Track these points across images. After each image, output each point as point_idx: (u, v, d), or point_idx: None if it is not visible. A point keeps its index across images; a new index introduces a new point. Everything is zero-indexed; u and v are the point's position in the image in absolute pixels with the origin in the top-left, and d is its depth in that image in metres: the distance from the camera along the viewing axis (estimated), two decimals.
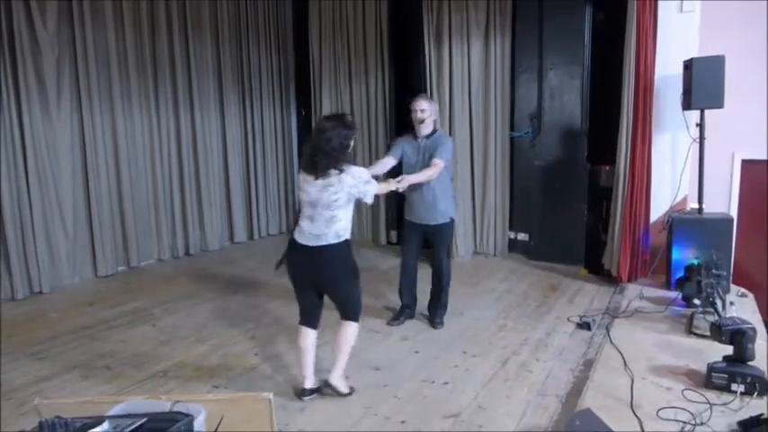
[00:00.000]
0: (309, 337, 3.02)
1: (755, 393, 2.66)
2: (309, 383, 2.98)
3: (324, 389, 2.99)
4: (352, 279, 2.98)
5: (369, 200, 2.90)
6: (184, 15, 6.11)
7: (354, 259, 2.97)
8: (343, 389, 3.00)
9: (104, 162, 5.45)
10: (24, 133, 4.77)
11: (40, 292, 4.90)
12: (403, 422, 2.75)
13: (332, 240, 2.81)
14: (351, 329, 3.01)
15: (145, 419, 1.45)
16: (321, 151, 2.74)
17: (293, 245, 2.90)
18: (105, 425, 1.39)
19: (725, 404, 2.62)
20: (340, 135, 2.76)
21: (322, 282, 2.93)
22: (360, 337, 3.27)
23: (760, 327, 3.40)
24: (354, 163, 2.95)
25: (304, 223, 2.87)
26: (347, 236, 2.88)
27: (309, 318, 3.04)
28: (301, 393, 2.97)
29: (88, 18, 5.17)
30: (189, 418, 1.49)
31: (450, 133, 5.86)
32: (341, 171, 2.75)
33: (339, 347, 3.00)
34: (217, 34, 6.53)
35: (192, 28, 6.18)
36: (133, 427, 1.40)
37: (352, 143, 2.87)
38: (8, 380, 3.27)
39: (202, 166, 6.43)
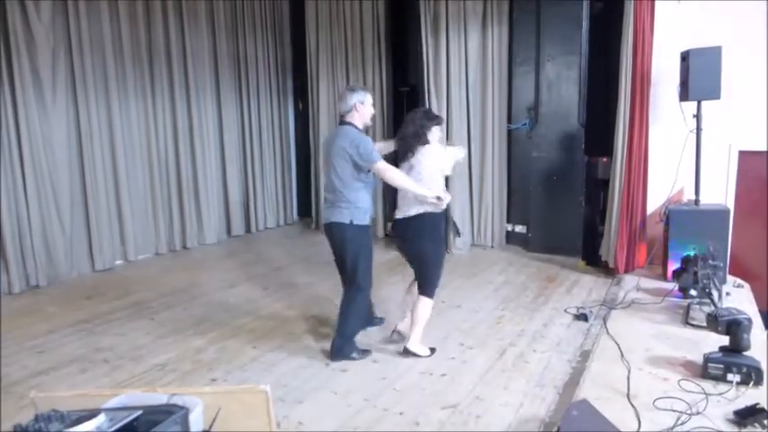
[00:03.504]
0: (411, 290, 3.57)
1: (751, 383, 2.67)
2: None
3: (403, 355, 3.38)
4: (432, 254, 3.38)
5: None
6: (180, 5, 6.07)
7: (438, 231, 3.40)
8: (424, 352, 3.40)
9: (101, 155, 5.43)
10: (20, 125, 4.74)
11: (37, 286, 4.90)
12: (401, 414, 2.76)
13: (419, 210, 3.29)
14: (423, 305, 3.37)
15: (140, 412, 1.45)
16: (401, 139, 3.39)
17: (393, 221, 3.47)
18: (101, 417, 1.39)
19: (721, 394, 2.63)
20: (415, 123, 3.35)
21: (406, 248, 3.47)
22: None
23: (756, 317, 3.42)
24: None
25: (398, 200, 3.42)
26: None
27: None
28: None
29: (83, 8, 5.14)
30: (184, 411, 1.49)
31: (447, 125, 5.85)
32: (414, 154, 3.31)
33: (413, 320, 3.40)
34: (213, 25, 6.50)
35: (187, 18, 6.14)
36: (129, 419, 1.40)
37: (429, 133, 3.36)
38: (7, 374, 3.26)
39: (199, 159, 6.41)
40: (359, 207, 3.28)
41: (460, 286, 4.80)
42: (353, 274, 3.33)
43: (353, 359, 3.35)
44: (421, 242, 3.34)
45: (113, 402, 1.66)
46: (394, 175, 3.23)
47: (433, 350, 3.41)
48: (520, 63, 5.78)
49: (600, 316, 3.92)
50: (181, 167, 6.24)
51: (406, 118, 3.45)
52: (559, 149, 5.58)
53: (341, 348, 3.36)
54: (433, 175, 3.29)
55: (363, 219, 3.30)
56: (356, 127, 3.30)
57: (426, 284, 3.37)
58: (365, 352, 3.42)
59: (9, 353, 3.57)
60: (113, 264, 5.60)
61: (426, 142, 3.33)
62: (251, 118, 7.10)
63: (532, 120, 5.77)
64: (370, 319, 3.78)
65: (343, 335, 3.37)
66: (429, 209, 3.26)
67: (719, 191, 4.73)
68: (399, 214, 3.38)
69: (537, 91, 5.67)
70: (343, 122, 3.34)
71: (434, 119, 3.42)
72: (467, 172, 5.96)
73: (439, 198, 3.19)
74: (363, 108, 3.31)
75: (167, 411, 1.50)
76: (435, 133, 3.39)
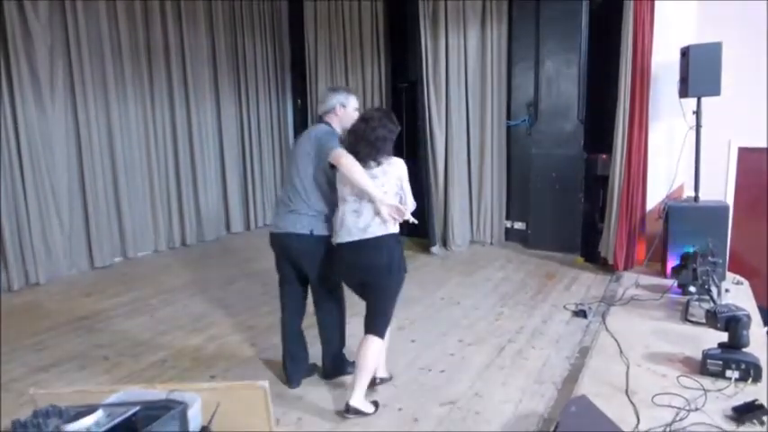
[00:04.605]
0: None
1: (750, 379, 2.67)
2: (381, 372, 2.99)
3: (345, 414, 2.68)
4: (394, 281, 2.78)
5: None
6: (178, 5, 6.06)
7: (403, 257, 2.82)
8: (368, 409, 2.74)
9: (99, 152, 5.42)
10: (18, 123, 4.74)
11: (37, 284, 4.90)
12: (400, 409, 2.76)
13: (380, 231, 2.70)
14: (375, 347, 2.73)
15: (138, 408, 1.45)
16: (364, 140, 2.68)
17: (339, 246, 2.78)
18: (99, 413, 1.39)
19: (719, 390, 2.63)
20: (385, 127, 2.71)
21: (362, 275, 2.77)
22: (355, 325, 3.27)
23: (755, 314, 3.42)
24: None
25: (348, 217, 2.73)
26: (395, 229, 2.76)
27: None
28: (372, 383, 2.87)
29: (80, 7, 5.13)
30: (182, 406, 1.49)
31: (446, 122, 5.85)
32: (379, 163, 2.68)
33: (359, 367, 2.70)
34: (211, 23, 6.50)
35: (186, 17, 6.13)
36: (127, 415, 1.40)
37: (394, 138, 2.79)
38: (6, 371, 3.27)
39: (198, 157, 6.41)
40: (320, 215, 2.87)
41: (459, 283, 4.80)
42: (321, 287, 2.96)
43: (349, 374, 3.01)
44: (389, 273, 2.73)
45: (112, 399, 1.66)
46: (352, 165, 2.62)
47: (376, 404, 2.78)
48: (519, 60, 5.78)
49: (599, 313, 3.92)
50: (180, 165, 6.24)
51: (367, 115, 2.79)
52: (559, 146, 5.57)
53: (335, 365, 3.09)
54: (397, 193, 2.74)
55: (324, 228, 2.88)
56: (331, 127, 2.92)
57: (382, 322, 2.75)
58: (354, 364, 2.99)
59: (8, 350, 3.57)
60: (112, 261, 5.60)
61: (391, 151, 2.77)
62: (250, 116, 7.10)
63: (532, 116, 5.76)
64: (344, 366, 3.12)
65: (333, 352, 3.08)
66: (393, 228, 2.73)
67: (719, 187, 4.73)
68: (350, 235, 2.70)
69: (536, 88, 5.66)
70: (319, 121, 2.97)
71: (397, 123, 2.82)
72: (466, 168, 5.96)
73: (398, 212, 2.66)
74: (344, 111, 2.92)
75: (166, 407, 1.50)
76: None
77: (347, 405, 2.66)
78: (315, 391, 2.98)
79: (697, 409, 2.47)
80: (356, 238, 2.69)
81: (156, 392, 1.69)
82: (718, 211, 4.28)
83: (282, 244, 2.94)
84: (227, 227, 6.92)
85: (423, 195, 5.58)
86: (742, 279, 4.29)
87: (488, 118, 5.83)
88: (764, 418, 2.34)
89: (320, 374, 3.12)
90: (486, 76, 5.78)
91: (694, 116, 4.35)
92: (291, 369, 3.06)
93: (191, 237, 6.38)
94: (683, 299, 3.82)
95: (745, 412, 2.38)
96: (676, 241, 4.29)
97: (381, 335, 2.75)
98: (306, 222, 2.85)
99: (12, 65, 4.67)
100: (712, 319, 2.90)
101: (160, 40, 5.91)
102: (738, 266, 4.49)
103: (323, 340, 3.08)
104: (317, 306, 3.04)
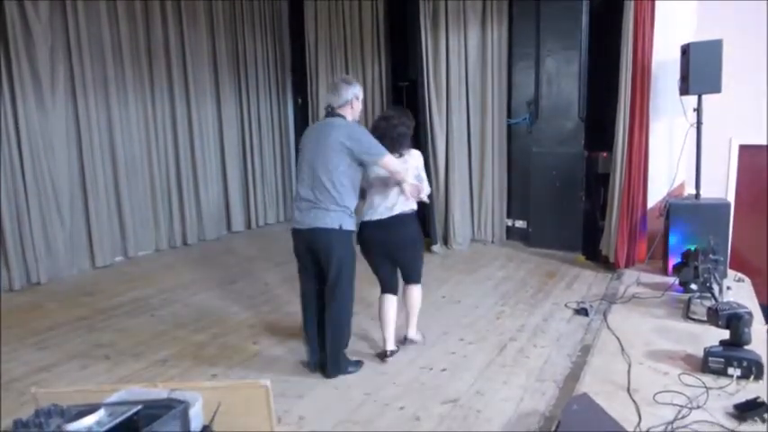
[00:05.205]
0: (390, 302, 3.30)
1: (752, 377, 2.67)
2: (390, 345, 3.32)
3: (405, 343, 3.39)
4: (420, 245, 3.36)
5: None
6: (179, 4, 6.05)
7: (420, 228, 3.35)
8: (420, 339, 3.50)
9: (100, 152, 5.42)
10: (19, 123, 4.73)
11: (38, 283, 4.90)
12: (402, 408, 2.76)
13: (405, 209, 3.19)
14: (417, 291, 3.39)
15: (140, 407, 1.45)
16: (387, 137, 3.10)
17: (366, 224, 3.18)
18: (101, 412, 1.39)
19: (721, 388, 2.63)
20: (404, 124, 3.19)
21: (394, 249, 3.22)
22: (358, 326, 3.29)
23: (756, 311, 3.42)
24: None
25: (376, 199, 3.17)
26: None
27: (389, 286, 3.32)
28: (384, 355, 3.28)
29: (81, 7, 5.12)
30: (184, 405, 1.50)
31: (447, 121, 5.85)
32: (401, 155, 3.14)
33: (410, 308, 3.40)
34: (212, 23, 6.49)
35: (186, 17, 6.12)
36: (128, 414, 1.40)
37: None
38: (7, 370, 3.27)
39: (199, 156, 6.41)
40: (348, 210, 2.96)
41: (460, 282, 4.79)
42: (337, 283, 2.98)
43: (350, 373, 3.10)
44: (414, 240, 3.27)
45: (114, 398, 1.66)
46: (400, 168, 3.01)
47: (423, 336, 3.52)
48: (520, 58, 5.77)
49: (600, 310, 3.92)
50: (180, 164, 6.24)
51: (386, 114, 3.25)
52: (559, 144, 5.56)
53: (336, 363, 3.07)
54: (415, 179, 3.15)
55: (351, 223, 2.99)
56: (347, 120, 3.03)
57: (417, 274, 3.38)
58: (359, 363, 3.21)
59: (9, 349, 3.57)
60: (113, 260, 5.60)
61: (410, 144, 3.24)
62: (250, 114, 7.10)
63: (532, 115, 5.76)
64: (346, 365, 3.16)
65: (336, 349, 3.06)
66: (413, 205, 3.21)
67: (720, 185, 4.72)
68: (378, 214, 3.13)
69: (537, 86, 5.65)
70: (333, 115, 3.01)
71: (412, 118, 3.30)
72: (467, 167, 5.95)
73: (416, 189, 3.06)
74: (358, 104, 3.06)
75: (167, 406, 1.50)
76: None
77: (405, 337, 3.42)
78: (316, 389, 2.98)
79: (699, 407, 2.47)
80: (384, 216, 3.14)
81: (158, 391, 1.69)
82: (719, 208, 4.27)
83: (307, 240, 2.98)
84: (228, 226, 6.92)
85: None
86: (743, 276, 4.28)
87: (489, 116, 5.82)
88: (766, 416, 2.34)
89: (322, 373, 3.12)
90: (487, 75, 5.77)
91: (695, 114, 4.34)
92: (310, 353, 3.18)
93: (192, 236, 6.38)
94: (685, 297, 3.82)
95: (746, 410, 2.38)
96: (678, 239, 4.29)
97: (419, 281, 3.39)
98: (334, 217, 2.91)
99: (13, 65, 4.67)
100: (714, 316, 2.90)
101: (161, 41, 5.91)
102: (740, 264, 4.49)
103: (329, 337, 3.06)
104: (329, 303, 3.04)
